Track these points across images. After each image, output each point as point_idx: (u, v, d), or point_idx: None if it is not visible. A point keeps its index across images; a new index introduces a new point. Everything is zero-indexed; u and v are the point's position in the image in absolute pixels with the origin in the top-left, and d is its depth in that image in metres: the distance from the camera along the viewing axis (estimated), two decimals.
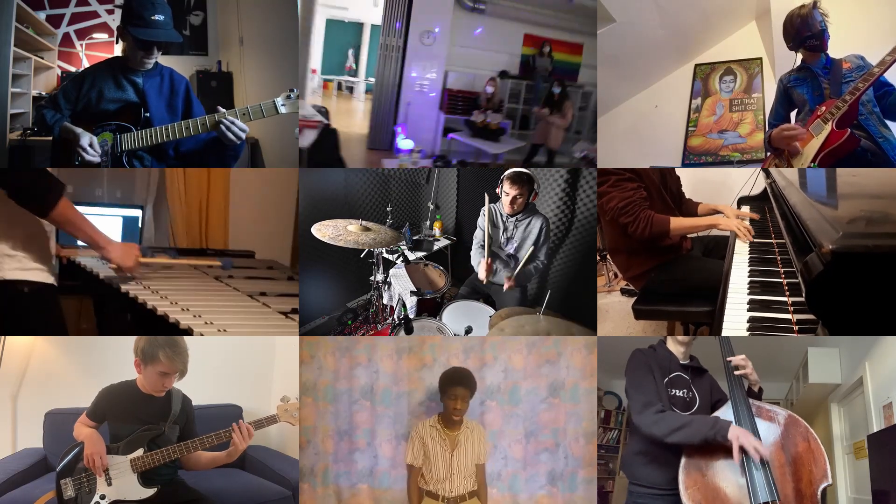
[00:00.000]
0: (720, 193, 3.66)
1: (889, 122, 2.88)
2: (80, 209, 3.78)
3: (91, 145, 2.57)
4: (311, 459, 2.97)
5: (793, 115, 3.13)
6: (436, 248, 4.41)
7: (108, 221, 3.94)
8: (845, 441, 3.15)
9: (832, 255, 1.58)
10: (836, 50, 2.92)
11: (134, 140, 2.63)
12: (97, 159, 2.58)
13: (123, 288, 2.65)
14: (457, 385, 2.57)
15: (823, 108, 2.76)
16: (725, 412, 2.13)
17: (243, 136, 2.64)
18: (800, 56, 3.00)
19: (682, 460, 2.03)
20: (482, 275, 3.27)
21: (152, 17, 2.57)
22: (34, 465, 2.87)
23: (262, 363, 3.48)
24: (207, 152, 2.75)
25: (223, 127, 2.59)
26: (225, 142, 2.63)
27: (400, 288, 3.43)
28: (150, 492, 2.26)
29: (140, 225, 4.05)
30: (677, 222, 2.91)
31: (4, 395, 3.14)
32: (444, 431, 2.60)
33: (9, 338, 3.04)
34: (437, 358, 2.93)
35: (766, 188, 3.40)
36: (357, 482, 2.95)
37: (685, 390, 2.27)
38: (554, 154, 4.86)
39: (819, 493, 1.93)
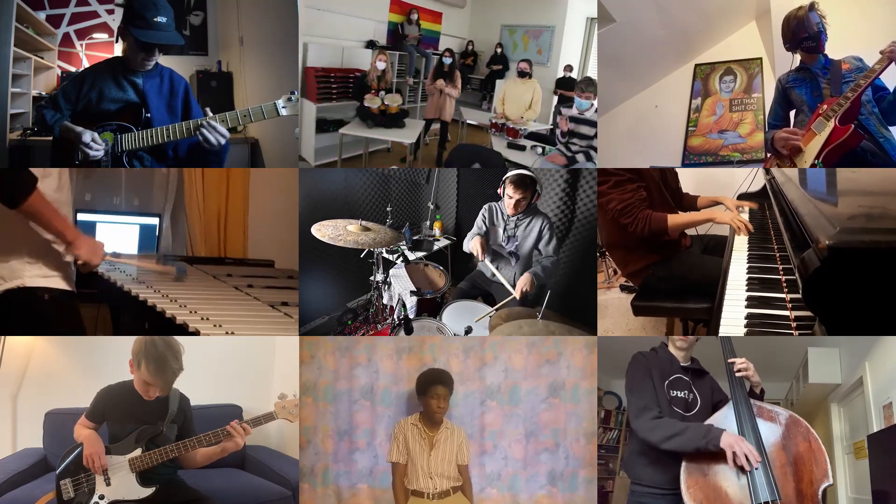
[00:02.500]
0: (720, 193, 3.65)
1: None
2: (97, 217, 3.54)
3: (94, 140, 2.56)
4: (311, 459, 2.96)
5: (791, 114, 3.13)
6: (436, 248, 4.41)
7: (124, 230, 3.85)
8: (845, 441, 3.14)
9: (829, 250, 1.56)
10: (835, 51, 2.92)
11: (134, 140, 2.63)
12: (101, 154, 2.57)
13: (142, 296, 2.62)
14: (438, 384, 2.62)
15: (825, 105, 2.76)
16: (727, 413, 2.13)
17: (223, 140, 2.64)
18: (798, 56, 3.00)
19: (684, 460, 2.03)
20: (477, 253, 3.19)
21: (154, 19, 2.56)
22: (34, 465, 2.87)
23: (262, 363, 3.48)
24: (195, 154, 2.75)
25: (204, 131, 2.59)
26: (205, 146, 2.62)
27: (400, 288, 3.43)
28: (149, 491, 2.26)
29: (157, 233, 3.96)
30: (675, 219, 2.91)
31: (4, 395, 3.14)
32: (424, 430, 2.63)
33: (9, 338, 3.04)
34: (436, 358, 2.93)
35: (765, 185, 3.38)
36: (357, 482, 2.95)
37: (686, 391, 2.27)
38: (447, 125, 4.58)
39: (820, 492, 1.93)
